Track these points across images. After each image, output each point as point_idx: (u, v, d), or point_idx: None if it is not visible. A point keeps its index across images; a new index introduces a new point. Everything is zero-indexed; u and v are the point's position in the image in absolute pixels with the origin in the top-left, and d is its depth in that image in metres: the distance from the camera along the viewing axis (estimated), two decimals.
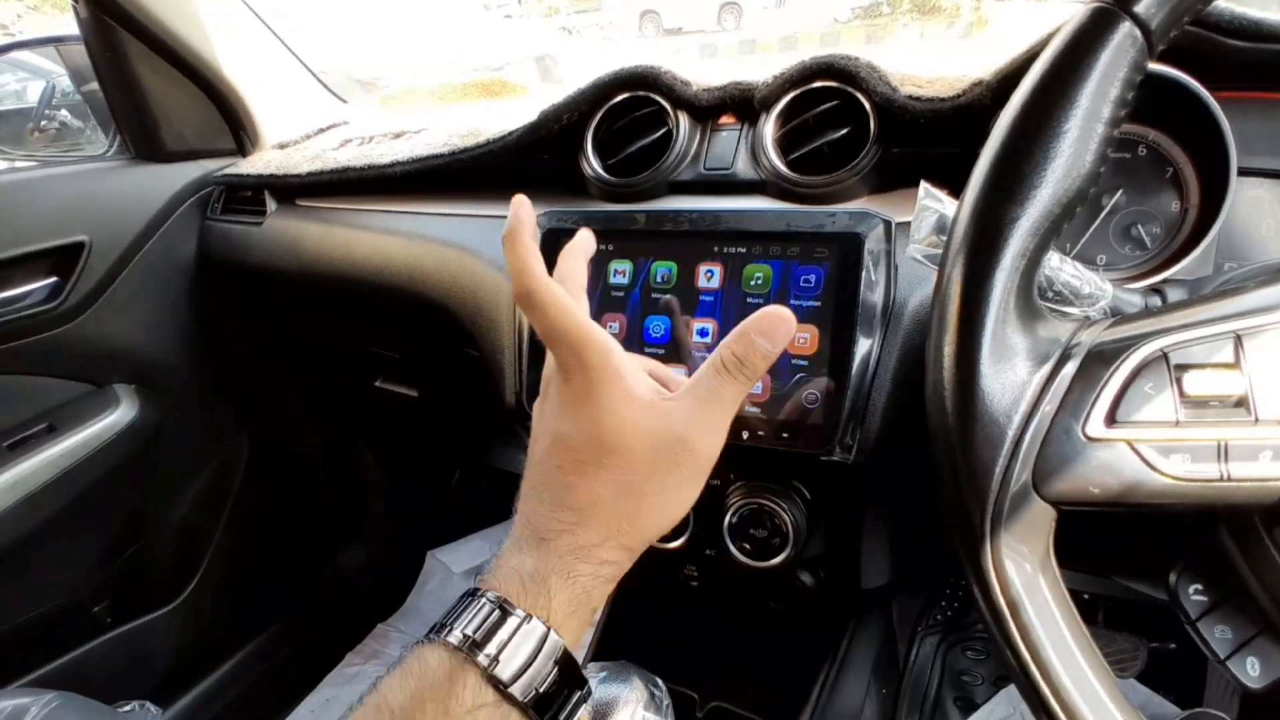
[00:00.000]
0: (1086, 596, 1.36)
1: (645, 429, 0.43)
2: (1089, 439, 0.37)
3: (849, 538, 0.80)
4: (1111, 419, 0.38)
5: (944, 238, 0.50)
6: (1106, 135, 0.39)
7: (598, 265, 0.75)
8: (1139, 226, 0.68)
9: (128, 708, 1.18)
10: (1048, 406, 0.38)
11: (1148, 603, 1.27)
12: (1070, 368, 0.38)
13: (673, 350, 0.72)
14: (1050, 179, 0.38)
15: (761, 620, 1.14)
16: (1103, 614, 1.31)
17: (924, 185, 0.52)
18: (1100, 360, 0.38)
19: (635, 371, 0.45)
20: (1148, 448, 0.37)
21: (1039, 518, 0.38)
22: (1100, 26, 0.38)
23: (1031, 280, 0.39)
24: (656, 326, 0.72)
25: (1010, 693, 1.32)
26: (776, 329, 0.44)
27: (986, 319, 0.38)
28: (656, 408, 0.44)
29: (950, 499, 0.39)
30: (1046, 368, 0.38)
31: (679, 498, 0.44)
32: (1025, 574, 0.37)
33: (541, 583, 0.42)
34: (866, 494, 0.73)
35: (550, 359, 0.47)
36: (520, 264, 0.44)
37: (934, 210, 0.50)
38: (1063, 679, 0.37)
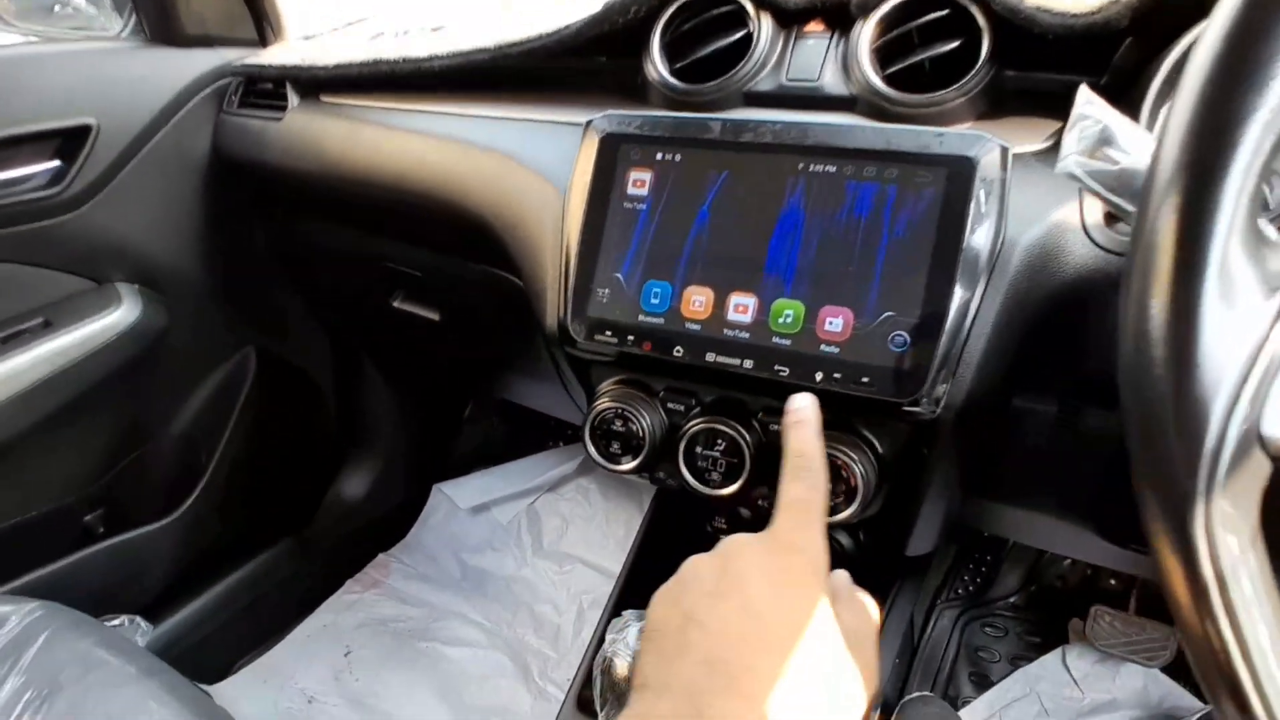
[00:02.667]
0: (1114, 582, 1.32)
1: (847, 624, 0.42)
2: None
3: (909, 500, 0.73)
4: None
5: (1110, 152, 0.42)
6: None
7: (661, 178, 0.67)
8: (1263, 185, 0.60)
9: (116, 621, 1.14)
10: (1275, 346, 0.30)
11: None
12: None
13: (742, 278, 0.64)
14: None
15: None
16: (1135, 600, 1.27)
17: (1084, 90, 0.44)
18: None
19: None
20: None
21: (1255, 477, 0.31)
22: None
23: (1260, 194, 0.32)
24: (724, 250, 0.65)
25: (1028, 672, 1.29)
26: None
27: (1216, 231, 0.30)
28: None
29: (1154, 454, 0.32)
30: (1277, 299, 0.31)
31: (853, 712, 0.40)
32: (1234, 545, 0.31)
33: None
34: (941, 455, 0.66)
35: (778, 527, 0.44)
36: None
37: (1096, 120, 0.42)
38: (1268, 671, 0.31)
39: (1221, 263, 0.30)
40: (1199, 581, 0.31)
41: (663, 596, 0.43)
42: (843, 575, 0.47)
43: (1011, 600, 1.34)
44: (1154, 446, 0.32)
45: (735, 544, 0.43)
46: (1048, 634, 1.28)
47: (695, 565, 0.43)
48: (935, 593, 1.36)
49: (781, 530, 0.43)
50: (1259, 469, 0.31)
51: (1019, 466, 0.78)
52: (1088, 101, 0.43)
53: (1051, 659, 1.24)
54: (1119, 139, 0.42)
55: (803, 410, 0.48)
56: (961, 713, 1.21)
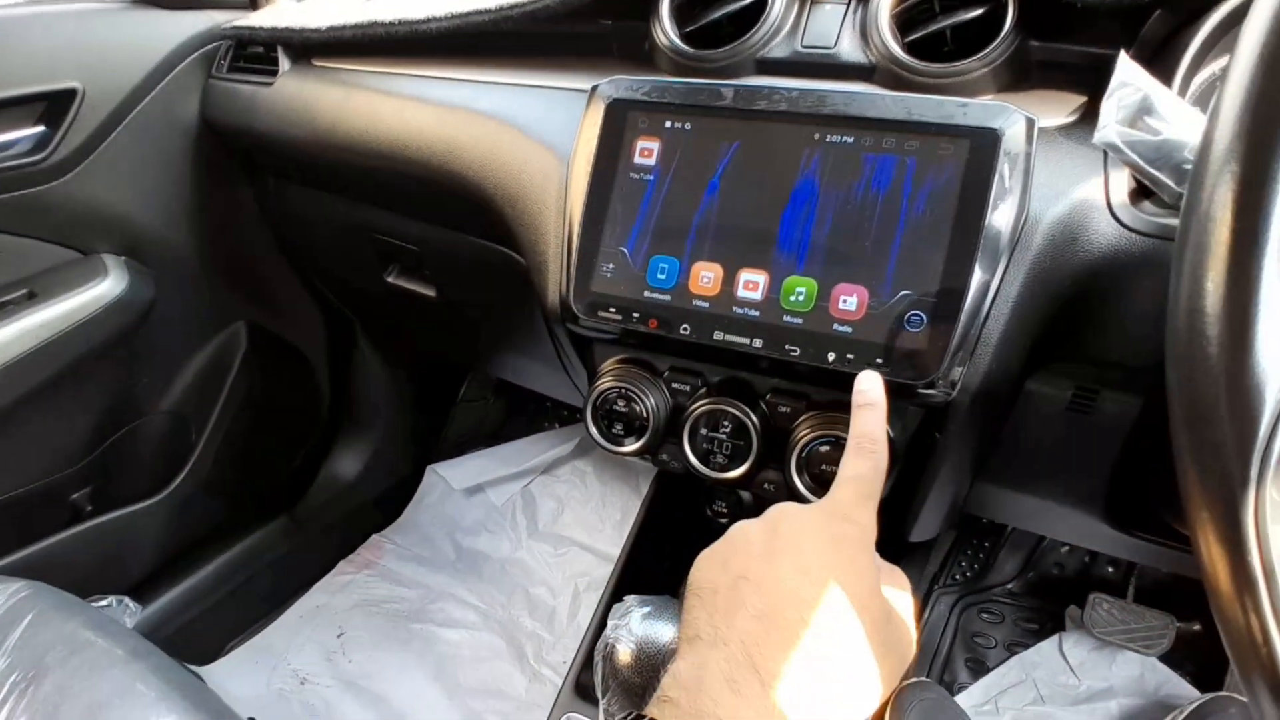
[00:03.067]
0: (1111, 569, 1.31)
1: (890, 602, 0.43)
2: None
3: (916, 485, 0.72)
4: None
5: (1151, 121, 0.40)
6: None
7: (669, 147, 0.64)
8: None
9: (104, 602, 1.12)
10: None
11: (1178, 579, 1.22)
12: None
13: (753, 253, 0.62)
14: None
15: None
16: (1133, 588, 1.27)
17: (1124, 58, 0.42)
18: None
19: None
20: None
21: None
22: None
23: None
24: (735, 224, 0.62)
25: (1024, 659, 1.28)
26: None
27: (1276, 200, 0.28)
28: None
29: (1202, 438, 0.30)
30: None
31: (893, 677, 0.41)
32: None
33: None
34: (953, 439, 0.64)
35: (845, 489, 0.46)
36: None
37: (1137, 88, 0.40)
38: None
39: None
40: (1246, 573, 0.29)
41: (708, 559, 0.43)
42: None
43: (1009, 587, 1.34)
44: (1204, 429, 0.30)
45: (787, 510, 0.44)
46: (1045, 621, 1.28)
47: (744, 529, 0.44)
48: (933, 578, 1.35)
49: (839, 502, 0.45)
50: None
51: (1028, 451, 0.76)
52: (1128, 69, 0.41)
53: (1048, 645, 1.23)
54: (1160, 109, 0.39)
55: (871, 392, 0.50)
56: (958, 698, 1.21)
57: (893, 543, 0.85)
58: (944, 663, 1.30)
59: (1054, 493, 0.84)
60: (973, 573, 1.37)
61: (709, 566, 0.43)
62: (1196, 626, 1.19)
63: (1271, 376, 0.29)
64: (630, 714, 0.37)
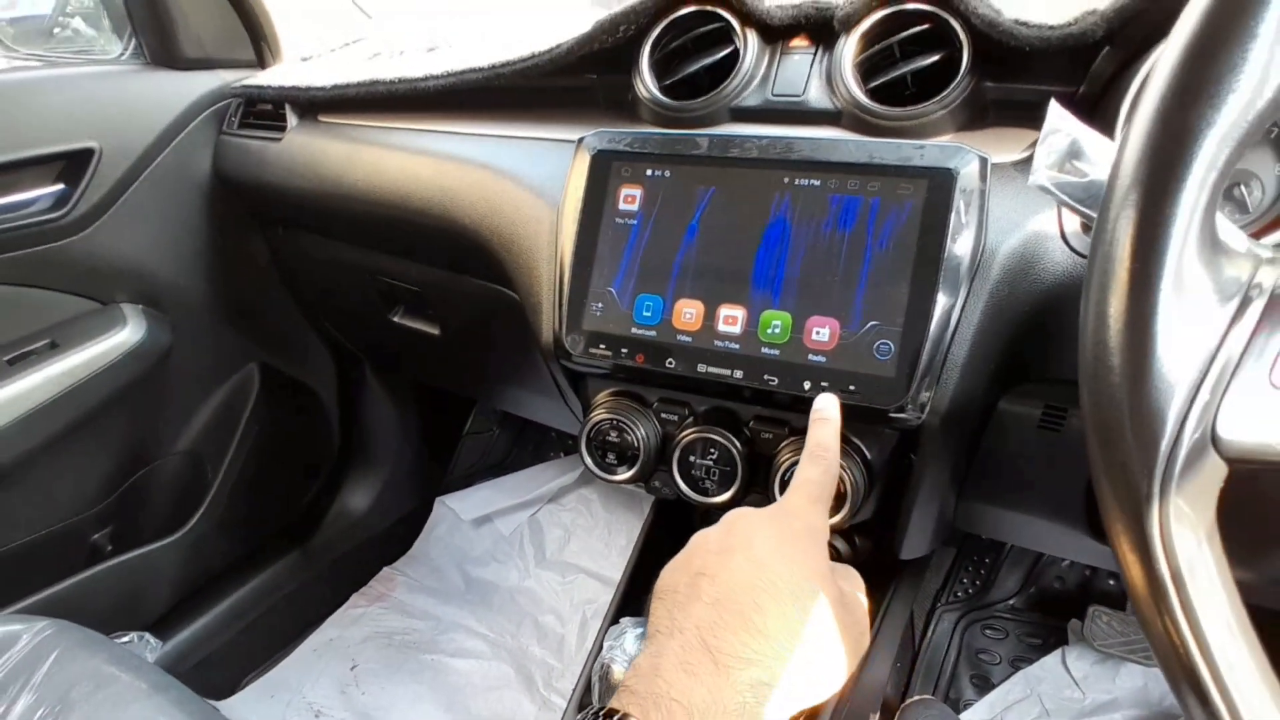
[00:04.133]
0: (1112, 582, 1.33)
1: (842, 587, 0.46)
2: (1275, 388, 0.32)
3: (899, 504, 0.75)
4: None
5: (1078, 165, 0.44)
6: None
7: (650, 194, 0.69)
8: (1240, 187, 0.62)
9: (126, 638, 1.15)
10: (1230, 351, 0.32)
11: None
12: (1255, 309, 0.33)
13: (731, 290, 0.65)
14: (1245, 84, 0.32)
15: None
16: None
17: (1054, 105, 0.45)
18: None
19: None
20: None
21: (1211, 480, 0.32)
22: None
23: (1216, 203, 0.33)
24: (713, 263, 0.66)
25: (1029, 674, 1.29)
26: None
27: (1170, 242, 0.32)
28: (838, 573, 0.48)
29: (1112, 456, 0.33)
30: (1230, 307, 0.33)
31: (849, 659, 0.44)
32: (1190, 544, 0.32)
33: None
34: (929, 459, 0.68)
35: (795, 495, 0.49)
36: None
37: (1066, 134, 0.44)
38: (1224, 663, 0.32)
39: (1176, 273, 0.32)
40: (1156, 579, 0.32)
41: (671, 565, 0.46)
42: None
43: (1011, 602, 1.35)
44: (1112, 449, 0.33)
45: (742, 512, 0.47)
46: (1048, 635, 1.29)
47: (703, 534, 0.47)
48: (935, 596, 1.36)
49: (790, 503, 0.48)
50: (1215, 471, 0.32)
51: (1008, 469, 0.79)
52: (1058, 116, 0.45)
53: (1052, 660, 1.24)
54: (1087, 152, 0.43)
55: (826, 410, 0.54)
56: (963, 715, 1.22)
57: (886, 561, 0.88)
58: (949, 680, 1.31)
59: (1037, 508, 0.86)
60: (975, 589, 1.38)
61: (671, 571, 0.46)
62: None
63: (1169, 401, 0.32)
64: (593, 708, 0.39)
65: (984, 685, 1.27)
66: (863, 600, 0.48)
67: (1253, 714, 0.32)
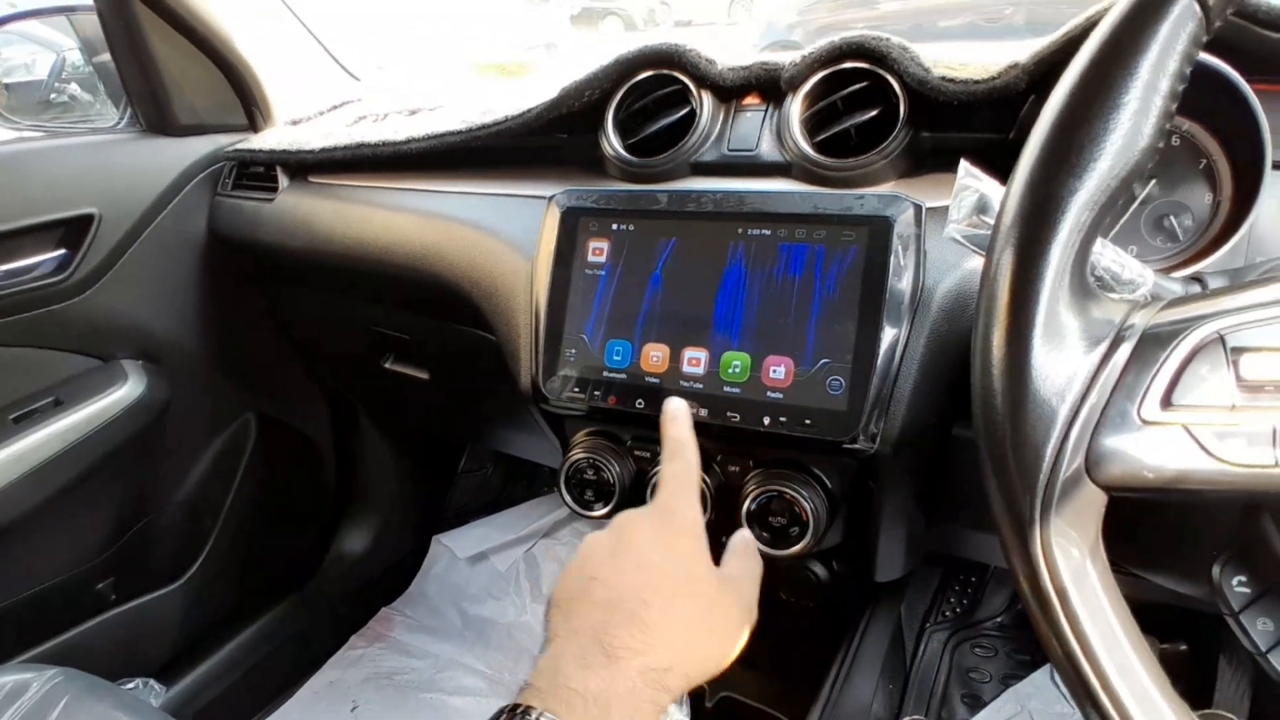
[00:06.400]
0: None
1: (719, 572, 0.52)
2: (1144, 422, 0.36)
3: (866, 529, 0.78)
4: (1167, 402, 0.36)
5: (985, 218, 0.48)
6: (1165, 110, 0.37)
7: (617, 246, 0.73)
8: (1171, 218, 0.67)
9: (131, 685, 1.17)
10: (1102, 389, 0.36)
11: (1159, 604, 1.26)
12: (1125, 350, 0.37)
13: (694, 333, 0.70)
14: (1109, 151, 0.37)
15: (770, 611, 1.13)
16: None
17: (964, 164, 0.50)
18: (1156, 342, 0.37)
19: None
20: (1204, 431, 0.36)
21: (1090, 504, 0.37)
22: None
23: (1085, 258, 0.38)
24: (676, 309, 0.71)
25: (1019, 691, 1.31)
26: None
27: (1040, 296, 0.36)
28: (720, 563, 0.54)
29: (998, 484, 0.37)
30: (1101, 349, 0.37)
31: (733, 638, 0.49)
32: (1074, 561, 0.36)
33: (605, 708, 0.42)
34: (887, 485, 0.72)
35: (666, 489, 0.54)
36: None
37: (974, 189, 0.49)
38: (1110, 668, 0.36)
39: (1047, 322, 0.36)
40: (1043, 595, 0.36)
41: (565, 572, 0.51)
42: (742, 534, 0.59)
43: (999, 620, 1.37)
44: (999, 477, 0.37)
45: (624, 516, 0.53)
46: (1036, 651, 1.31)
47: (594, 538, 0.52)
48: (924, 616, 1.39)
49: (662, 499, 0.54)
50: (1094, 497, 0.37)
51: (968, 492, 0.83)
52: (967, 174, 0.49)
53: (1041, 676, 1.26)
54: (994, 205, 0.48)
55: (677, 409, 0.59)
56: None
57: (864, 584, 0.91)
58: (940, 701, 1.33)
59: None
60: (962, 609, 1.40)
61: (564, 579, 0.50)
62: (1182, 647, 1.22)
63: (1046, 437, 0.36)
64: (504, 706, 0.43)
65: (975, 704, 1.29)
66: (753, 579, 0.54)
67: (1143, 716, 0.36)
